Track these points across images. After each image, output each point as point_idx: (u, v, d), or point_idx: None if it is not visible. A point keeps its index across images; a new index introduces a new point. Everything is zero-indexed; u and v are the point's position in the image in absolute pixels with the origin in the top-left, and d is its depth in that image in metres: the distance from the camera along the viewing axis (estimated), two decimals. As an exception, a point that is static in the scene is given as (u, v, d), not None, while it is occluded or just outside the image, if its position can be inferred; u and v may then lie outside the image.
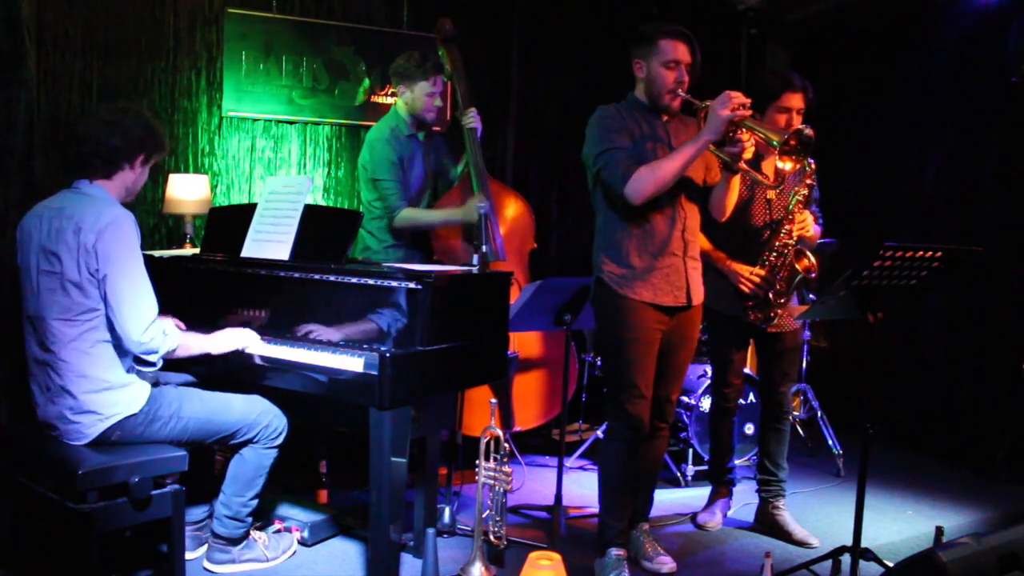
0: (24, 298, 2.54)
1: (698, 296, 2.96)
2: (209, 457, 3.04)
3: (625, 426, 2.87)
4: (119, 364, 2.49)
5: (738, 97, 2.64)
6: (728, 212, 2.99)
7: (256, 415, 2.71)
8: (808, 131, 2.68)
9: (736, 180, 2.92)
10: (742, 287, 3.24)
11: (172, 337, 2.50)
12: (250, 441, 2.72)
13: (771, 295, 3.23)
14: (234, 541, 2.81)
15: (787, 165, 2.73)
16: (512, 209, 3.92)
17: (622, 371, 2.86)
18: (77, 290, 2.41)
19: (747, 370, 3.80)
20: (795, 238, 3.19)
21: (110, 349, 2.47)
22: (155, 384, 2.60)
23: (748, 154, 2.78)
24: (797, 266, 3.18)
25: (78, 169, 2.56)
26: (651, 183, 2.72)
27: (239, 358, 2.71)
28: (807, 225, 3.20)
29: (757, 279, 3.23)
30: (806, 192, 3.19)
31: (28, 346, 2.53)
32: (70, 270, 2.41)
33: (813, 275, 3.21)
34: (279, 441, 2.77)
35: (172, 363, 2.76)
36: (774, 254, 3.21)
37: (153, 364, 2.52)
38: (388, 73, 3.74)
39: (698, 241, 3.01)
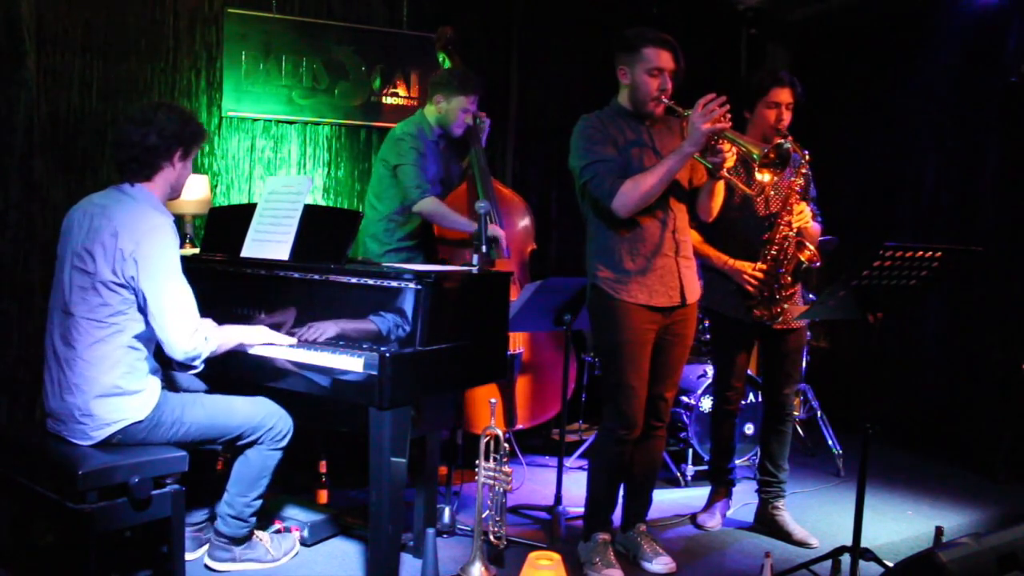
0: (54, 289, 2.51)
1: (692, 294, 2.97)
2: (211, 458, 3.04)
3: (619, 425, 2.91)
4: (136, 370, 2.46)
5: (716, 108, 2.66)
6: (714, 214, 3.01)
7: (260, 418, 2.69)
8: (787, 144, 2.76)
9: (720, 185, 2.94)
10: (746, 285, 3.24)
11: (212, 339, 2.49)
12: (255, 443, 2.71)
13: (776, 288, 3.22)
14: (237, 541, 2.80)
15: (766, 177, 2.78)
16: (512, 209, 3.92)
17: (618, 373, 2.89)
18: (109, 291, 2.39)
19: (748, 371, 3.79)
20: (795, 229, 3.19)
21: (131, 354, 2.45)
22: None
23: (730, 163, 2.81)
24: (800, 256, 3.18)
25: (119, 175, 2.52)
26: (636, 197, 2.78)
27: (239, 359, 2.71)
28: (805, 215, 3.20)
29: (760, 275, 3.22)
30: (802, 182, 3.20)
31: (50, 338, 2.50)
32: (103, 271, 2.38)
33: (816, 264, 3.21)
34: (284, 443, 2.75)
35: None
36: (775, 248, 3.21)
37: (195, 368, 2.50)
38: (428, 83, 3.80)
39: (689, 240, 3.02)
